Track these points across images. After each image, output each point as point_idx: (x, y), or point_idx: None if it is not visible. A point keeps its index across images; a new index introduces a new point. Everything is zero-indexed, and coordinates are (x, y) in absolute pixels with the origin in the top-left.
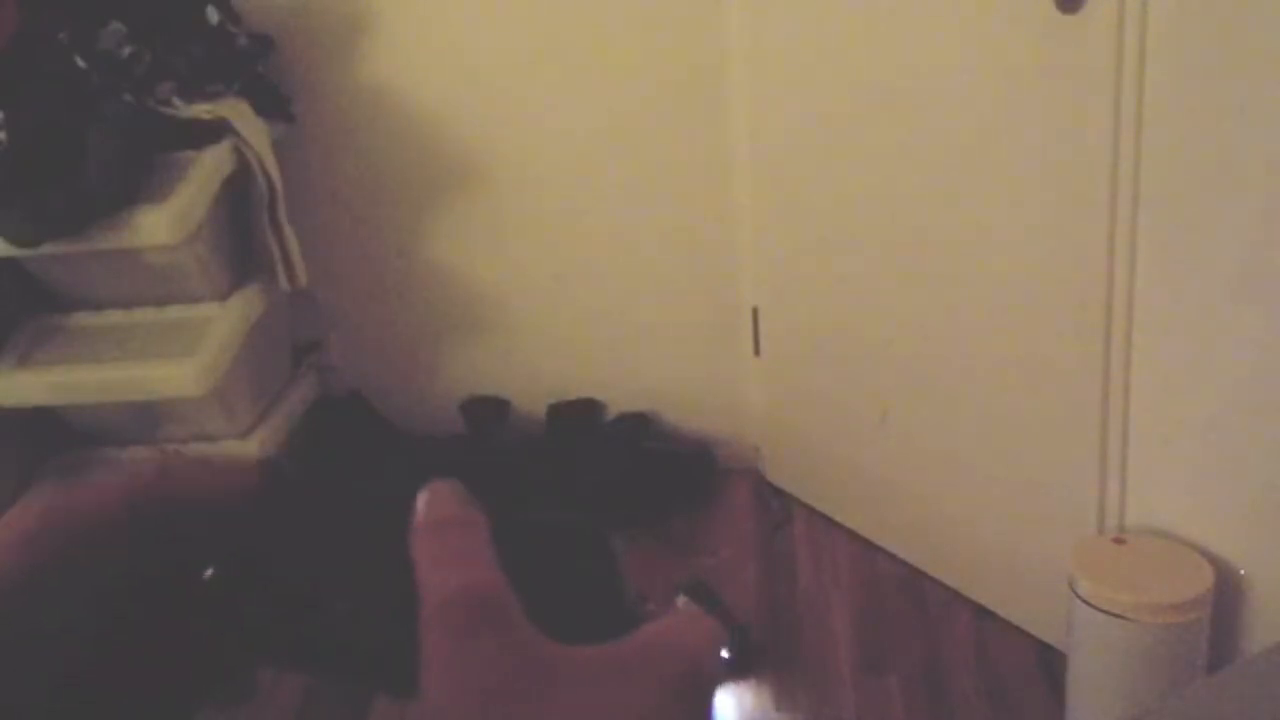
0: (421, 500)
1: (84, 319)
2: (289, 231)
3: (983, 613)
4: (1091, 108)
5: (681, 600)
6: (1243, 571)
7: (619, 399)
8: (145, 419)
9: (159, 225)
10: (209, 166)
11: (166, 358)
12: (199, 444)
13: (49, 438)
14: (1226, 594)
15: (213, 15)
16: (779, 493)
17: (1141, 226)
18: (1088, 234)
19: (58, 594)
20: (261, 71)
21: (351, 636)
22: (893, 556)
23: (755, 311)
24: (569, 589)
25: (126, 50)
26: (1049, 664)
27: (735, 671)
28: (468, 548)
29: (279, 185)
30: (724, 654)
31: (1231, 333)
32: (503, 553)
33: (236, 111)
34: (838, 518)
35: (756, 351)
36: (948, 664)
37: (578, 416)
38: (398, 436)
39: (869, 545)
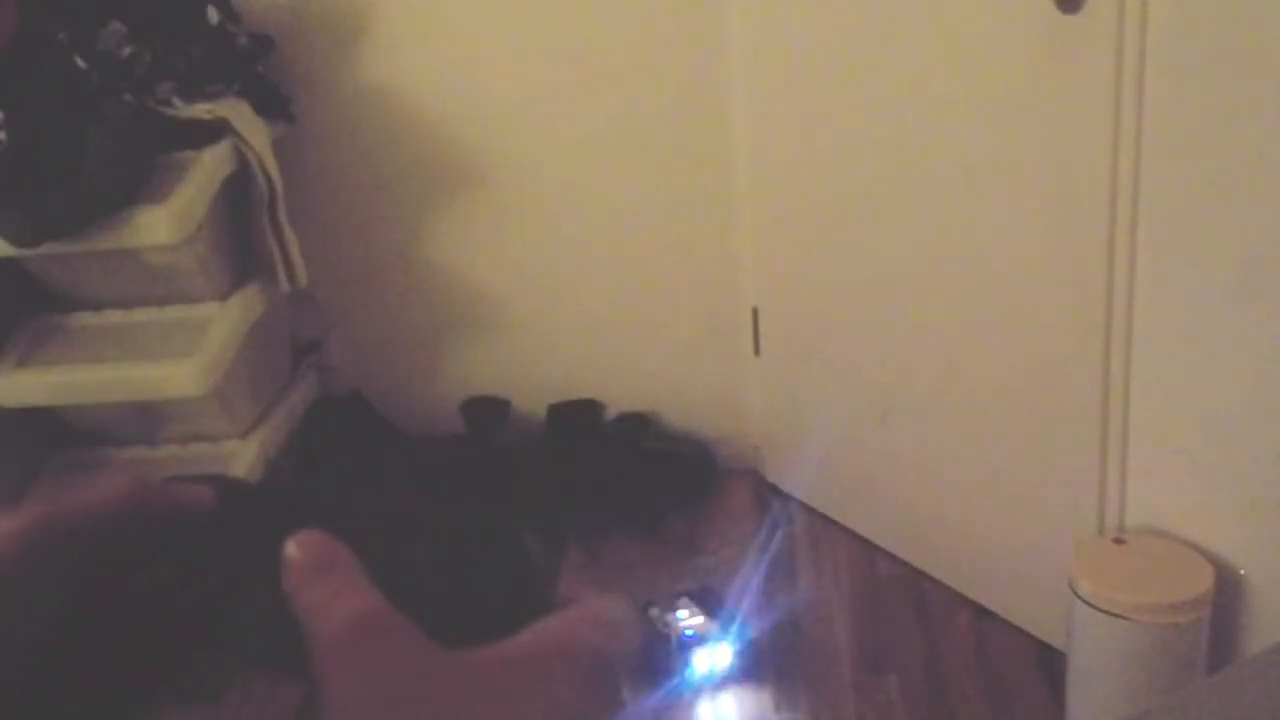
0: (288, 552)
1: (84, 319)
2: (289, 231)
3: (983, 613)
4: (1091, 108)
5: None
6: (1243, 571)
7: (619, 399)
8: (145, 419)
9: (159, 225)
10: (209, 166)
11: (166, 358)
12: (199, 444)
13: (49, 438)
14: (1226, 594)
15: (213, 15)
16: (779, 493)
17: (1141, 226)
18: (1088, 234)
19: (24, 596)
20: (261, 71)
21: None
22: (893, 556)
23: (755, 311)
24: (479, 587)
25: (126, 50)
26: (1049, 664)
27: (735, 674)
28: (344, 582)
29: (279, 185)
30: (632, 637)
31: (1231, 333)
32: (416, 557)
33: (236, 111)
34: (838, 518)
35: (756, 351)
36: (948, 664)
37: (578, 416)
38: (398, 436)
39: (869, 545)
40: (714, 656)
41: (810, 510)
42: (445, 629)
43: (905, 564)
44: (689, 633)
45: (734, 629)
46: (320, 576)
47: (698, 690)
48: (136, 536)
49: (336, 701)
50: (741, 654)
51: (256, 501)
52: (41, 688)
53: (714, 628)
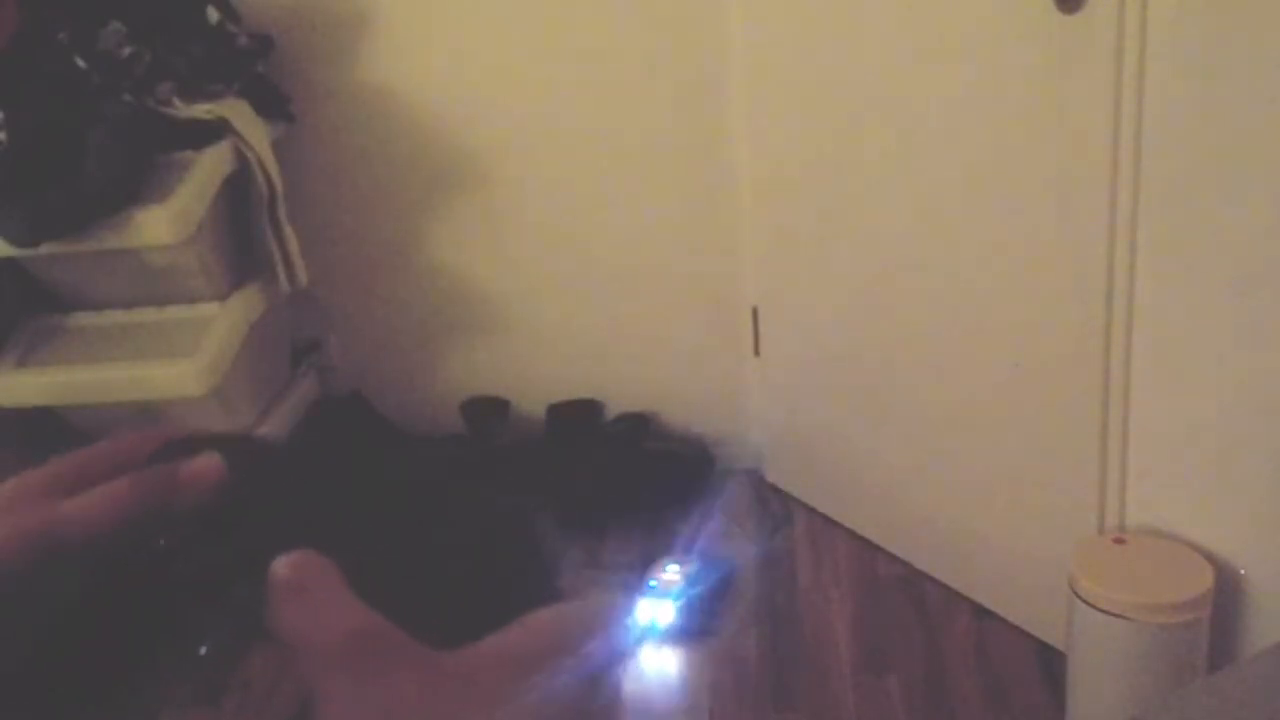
0: (274, 573)
1: (84, 319)
2: (289, 231)
3: (983, 613)
4: (1091, 108)
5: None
6: (1243, 571)
7: (619, 399)
8: (145, 419)
9: (159, 225)
10: (209, 166)
11: (166, 358)
12: None
13: (49, 438)
14: (1226, 594)
15: (213, 15)
16: (779, 493)
17: (1141, 226)
18: (1088, 234)
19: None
20: (261, 71)
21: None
22: (893, 556)
23: (755, 311)
24: (491, 574)
25: (126, 50)
26: (1049, 664)
27: (713, 627)
28: (327, 599)
29: (279, 185)
30: (623, 637)
31: (1231, 332)
32: (431, 539)
33: (236, 111)
34: (838, 518)
35: (756, 351)
36: (948, 664)
37: (578, 416)
38: (398, 436)
39: (869, 545)
40: (657, 610)
41: (810, 510)
42: (448, 618)
43: (905, 564)
44: (651, 583)
45: (689, 588)
46: (303, 596)
47: (638, 641)
48: (142, 533)
49: (341, 712)
50: (690, 611)
51: (268, 466)
52: (48, 672)
53: (679, 584)
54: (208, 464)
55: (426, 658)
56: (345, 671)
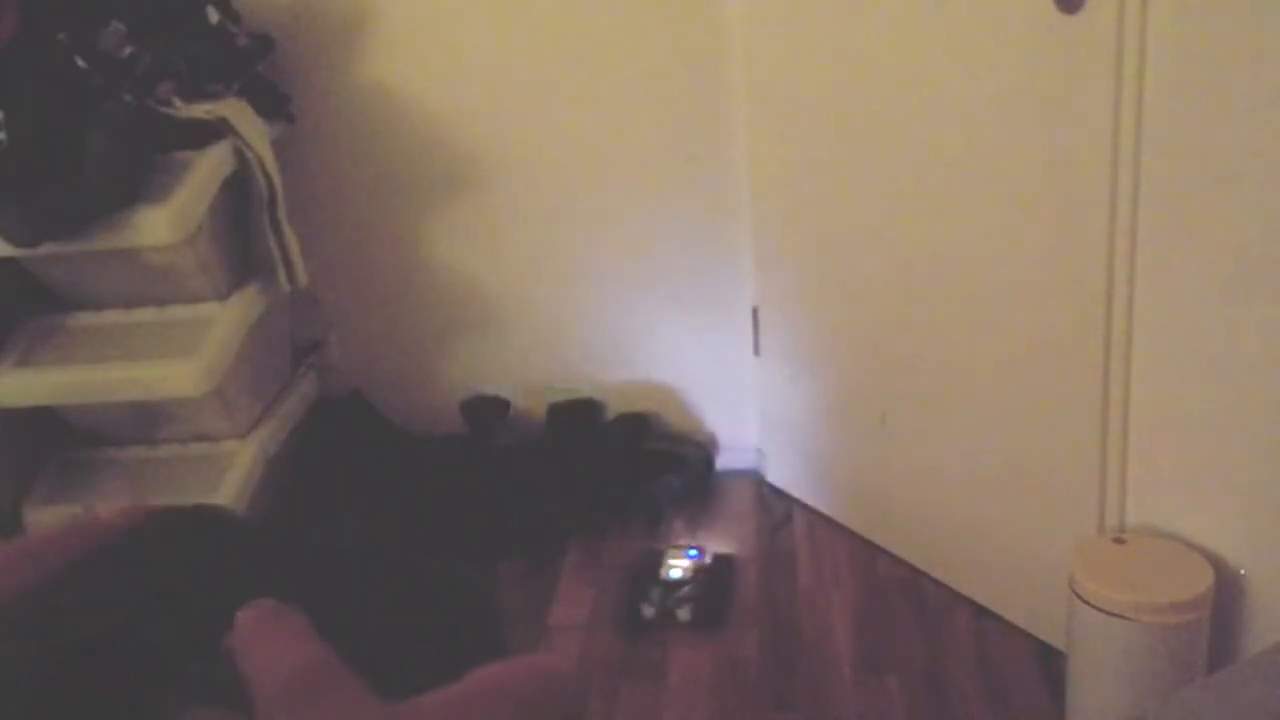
0: (237, 618)
1: (84, 319)
2: (289, 231)
3: (983, 613)
4: (1091, 108)
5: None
6: (1243, 571)
7: (619, 399)
8: (145, 419)
9: (159, 225)
10: (209, 166)
11: (166, 358)
12: (199, 444)
13: (49, 438)
14: (1226, 594)
15: (213, 15)
16: (779, 493)
17: (1141, 226)
18: (1088, 234)
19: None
20: (261, 71)
21: None
22: (893, 556)
23: (755, 311)
24: (441, 636)
25: (126, 50)
26: (1049, 664)
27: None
28: (288, 632)
29: (279, 185)
30: (567, 693)
31: (1231, 332)
32: (380, 602)
33: (236, 111)
34: (838, 518)
35: (756, 351)
36: (948, 664)
37: (578, 416)
38: (398, 436)
39: (869, 545)
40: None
41: (810, 510)
42: (400, 677)
43: (905, 564)
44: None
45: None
46: (264, 635)
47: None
48: (65, 584)
49: None
50: (690, 611)
51: (227, 537)
52: None
53: (679, 584)
54: (117, 506)
55: (374, 703)
56: (290, 706)
